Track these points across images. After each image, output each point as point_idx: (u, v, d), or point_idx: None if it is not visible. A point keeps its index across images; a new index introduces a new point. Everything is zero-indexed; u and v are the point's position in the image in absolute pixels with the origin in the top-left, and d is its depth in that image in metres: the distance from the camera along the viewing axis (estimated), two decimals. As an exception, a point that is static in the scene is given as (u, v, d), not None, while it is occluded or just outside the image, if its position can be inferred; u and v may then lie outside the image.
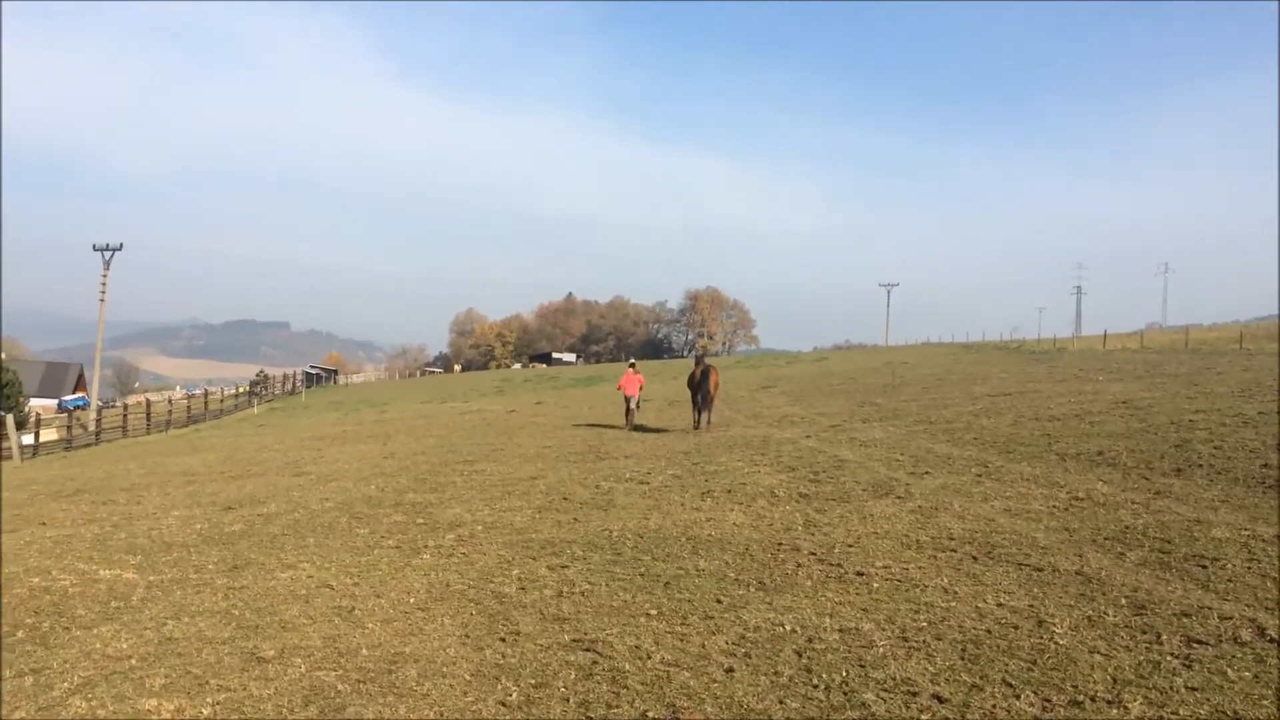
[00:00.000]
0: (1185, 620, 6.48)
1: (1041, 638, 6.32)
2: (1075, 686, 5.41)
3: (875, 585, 7.99)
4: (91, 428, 47.20)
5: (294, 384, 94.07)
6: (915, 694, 5.48)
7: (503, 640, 7.06)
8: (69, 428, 46.38)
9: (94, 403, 62.67)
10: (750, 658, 6.32)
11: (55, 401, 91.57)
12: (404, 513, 13.11)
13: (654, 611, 7.59)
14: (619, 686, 5.91)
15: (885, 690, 5.57)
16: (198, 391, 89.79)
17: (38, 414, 52.95)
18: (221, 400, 73.49)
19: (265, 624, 7.78)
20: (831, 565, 8.79)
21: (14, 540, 12.36)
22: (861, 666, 6.00)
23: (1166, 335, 75.20)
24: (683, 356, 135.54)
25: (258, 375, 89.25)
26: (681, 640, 6.78)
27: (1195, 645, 5.96)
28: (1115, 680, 5.47)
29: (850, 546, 9.52)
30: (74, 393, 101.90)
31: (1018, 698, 5.32)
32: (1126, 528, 9.48)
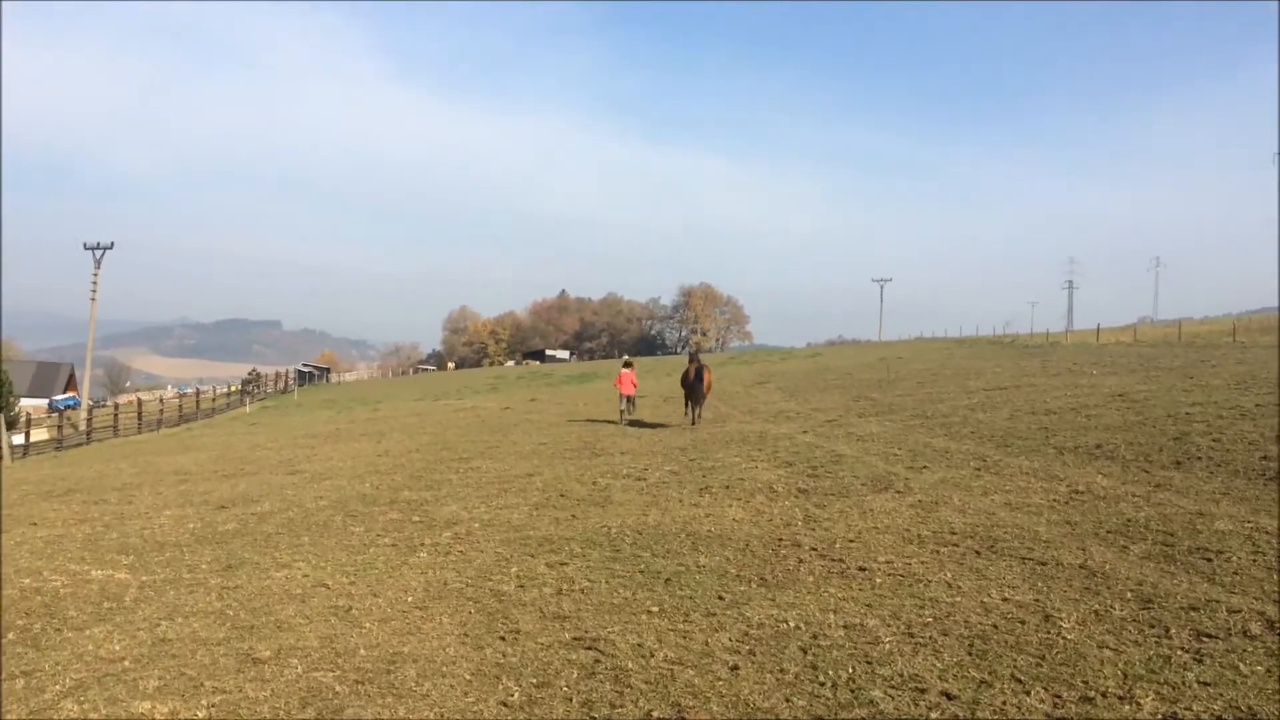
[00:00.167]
0: (1193, 614, 6.41)
1: (1049, 633, 6.24)
2: (1085, 682, 5.33)
3: (878, 580, 7.91)
4: (82, 427, 46.97)
5: (287, 382, 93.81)
6: (923, 691, 5.39)
7: (502, 639, 6.97)
8: (59, 427, 46.16)
9: (85, 402, 62.42)
10: (755, 655, 6.23)
11: (46, 401, 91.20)
12: (400, 510, 13.00)
13: (655, 609, 7.50)
14: (622, 685, 5.81)
15: (893, 687, 5.49)
16: (189, 390, 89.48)
17: (28, 414, 52.69)
18: (214, 399, 73.18)
19: (261, 624, 7.67)
20: (833, 561, 8.71)
21: (5, 541, 12.23)
22: (868, 663, 5.92)
23: (1159, 329, 75.35)
24: (676, 353, 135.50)
25: (250, 374, 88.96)
26: (684, 638, 6.69)
27: (1205, 639, 5.89)
28: (1126, 675, 5.39)
29: (851, 542, 9.44)
30: (65, 392, 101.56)
31: (1028, 694, 5.24)
32: (1128, 521, 9.41)
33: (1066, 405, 20.05)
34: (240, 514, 13.45)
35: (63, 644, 7.35)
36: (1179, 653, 5.69)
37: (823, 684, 5.62)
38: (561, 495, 13.55)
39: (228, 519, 13.07)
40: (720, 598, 7.71)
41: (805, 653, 6.20)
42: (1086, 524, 9.45)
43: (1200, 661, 5.51)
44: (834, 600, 7.42)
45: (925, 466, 13.84)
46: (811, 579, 8.15)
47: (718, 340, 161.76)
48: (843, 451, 16.18)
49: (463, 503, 13.36)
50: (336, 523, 12.31)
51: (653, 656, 6.32)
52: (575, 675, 6.06)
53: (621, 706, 5.49)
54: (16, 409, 56.60)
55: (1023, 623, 6.48)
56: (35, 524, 13.74)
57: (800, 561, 8.78)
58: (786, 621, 6.90)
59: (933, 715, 5.05)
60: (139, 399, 71.28)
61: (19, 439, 40.85)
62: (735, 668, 6.00)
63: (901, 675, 5.67)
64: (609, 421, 27.31)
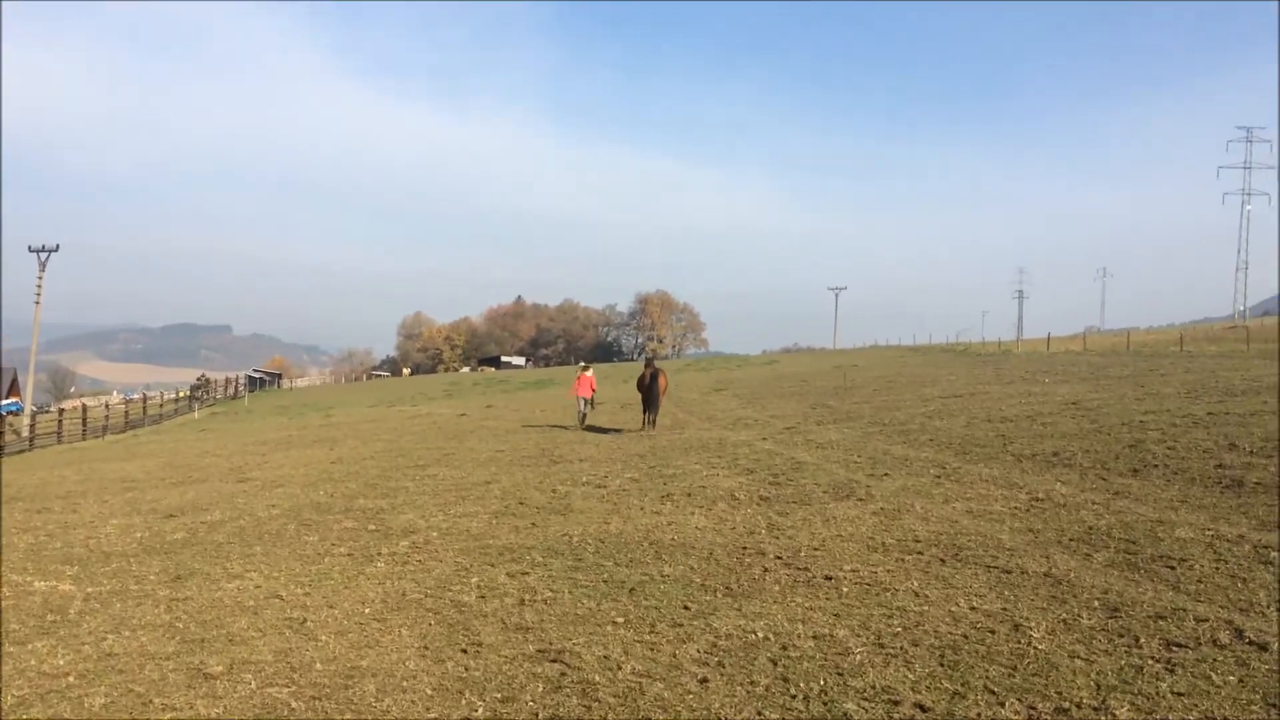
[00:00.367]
0: (1161, 623, 6.39)
1: (1019, 642, 6.19)
2: (1059, 693, 5.28)
3: (845, 590, 7.84)
4: (25, 433, 45.82)
5: (237, 388, 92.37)
6: (897, 703, 5.31)
7: (464, 652, 6.79)
8: (1, 433, 44.99)
9: (28, 408, 60.97)
10: (724, 667, 6.11)
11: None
12: (355, 519, 12.74)
13: (621, 619, 7.36)
14: (590, 700, 5.67)
15: (866, 699, 5.40)
16: (136, 396, 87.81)
17: (-31, 420, 51.30)
18: (161, 405, 71.82)
19: (212, 637, 7.42)
20: (799, 569, 8.62)
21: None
22: (839, 675, 5.82)
23: (1107, 338, 76.45)
24: (632, 360, 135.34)
25: (199, 379, 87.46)
26: (651, 650, 6.56)
27: (1175, 649, 5.87)
28: (1099, 686, 5.34)
29: (816, 550, 9.37)
30: (7, 398, 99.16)
31: (1002, 705, 5.17)
32: (1090, 528, 9.43)
33: (1022, 413, 20.19)
34: (189, 523, 13.11)
35: (4, 659, 7.05)
36: (1150, 662, 5.66)
37: (794, 696, 5.52)
38: (521, 503, 13.37)
39: (176, 528, 12.72)
40: (686, 608, 7.59)
41: (775, 664, 6.09)
42: (1049, 532, 9.45)
43: (1172, 671, 5.48)
44: (801, 610, 7.33)
45: (886, 474, 13.84)
46: (778, 588, 8.05)
47: (674, 347, 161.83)
48: (803, 459, 16.15)
49: (420, 511, 13.13)
50: (290, 532, 12.03)
51: (620, 669, 6.18)
52: (541, 689, 5.90)
53: (589, 721, 5.34)
54: (-44, 414, 55.13)
55: (992, 632, 6.43)
56: (-25, 533, 13.30)
57: (765, 570, 8.69)
58: (755, 632, 6.79)
59: (907, 728, 4.97)
60: (84, 405, 69.80)
61: (-41, 445, 39.73)
62: (705, 680, 5.88)
63: (874, 687, 5.58)
64: (566, 428, 27.19)
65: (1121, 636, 6.18)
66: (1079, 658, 5.83)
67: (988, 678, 5.60)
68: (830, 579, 8.20)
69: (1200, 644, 5.91)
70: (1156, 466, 12.46)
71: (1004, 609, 6.97)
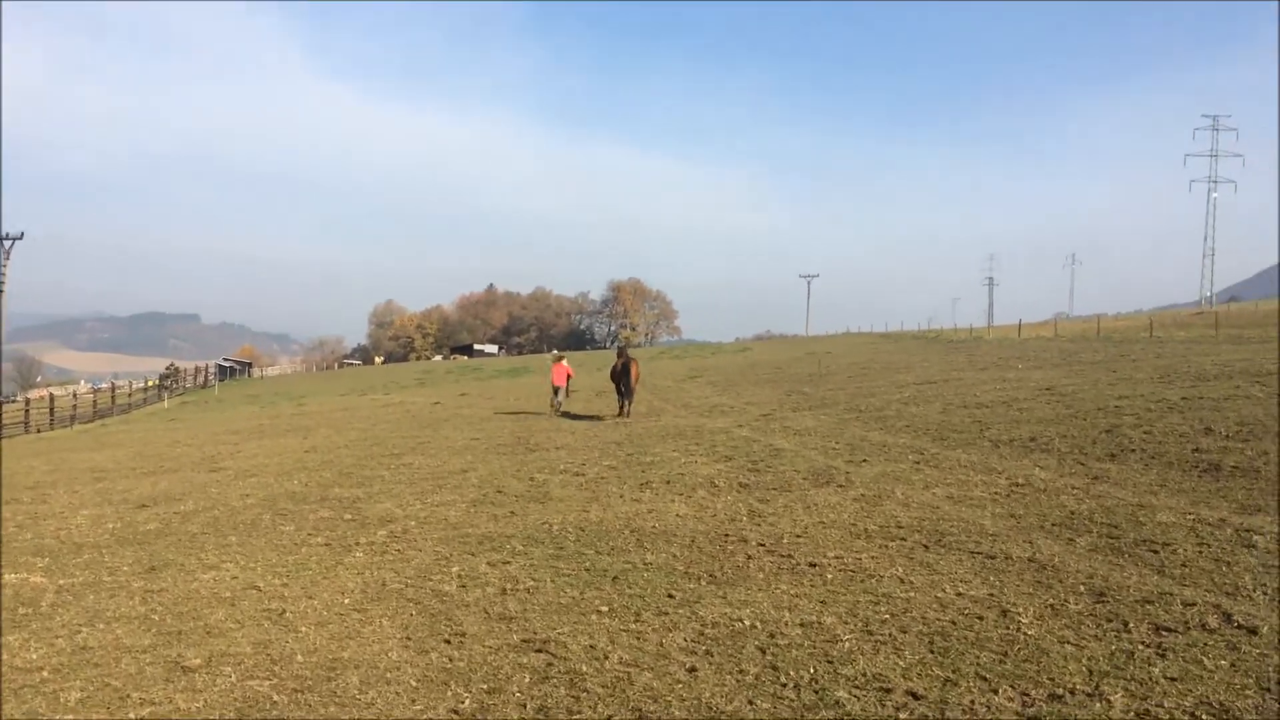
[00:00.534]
0: (1149, 607, 6.39)
1: (1008, 628, 6.17)
2: (1052, 679, 5.25)
3: (829, 576, 7.80)
4: (-9, 424, 45.12)
5: (207, 377, 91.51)
6: (889, 690, 5.26)
7: (447, 642, 6.69)
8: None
9: (-7, 398, 60.07)
10: (712, 655, 6.05)
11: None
12: (331, 508, 12.59)
13: (605, 608, 7.28)
14: (578, 690, 5.58)
15: (857, 687, 5.35)
16: (104, 386, 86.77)
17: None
18: (130, 394, 71.03)
19: (189, 630, 7.28)
20: (782, 556, 8.58)
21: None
22: (829, 662, 5.77)
23: (1077, 324, 77.10)
24: (605, 348, 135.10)
25: (168, 368, 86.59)
26: (638, 639, 6.49)
27: (1165, 633, 5.86)
28: (1091, 672, 5.32)
29: (799, 537, 9.33)
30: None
31: (995, 692, 5.14)
32: (1071, 513, 9.45)
33: (997, 399, 20.28)
34: (162, 513, 12.91)
35: (-26, 654, 6.89)
36: (1141, 647, 5.65)
37: (785, 685, 5.46)
38: (499, 491, 13.25)
39: (149, 518, 12.52)
40: (670, 596, 7.52)
41: (764, 652, 6.04)
42: (1030, 517, 9.46)
43: (1164, 656, 5.47)
44: (787, 597, 7.28)
45: (865, 460, 13.84)
46: (762, 575, 8.00)
47: (647, 335, 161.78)
48: (781, 446, 16.13)
49: (396, 500, 13.00)
50: (265, 522, 11.87)
51: (607, 659, 6.10)
52: (527, 680, 5.81)
53: (579, 712, 5.26)
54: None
55: (981, 618, 6.40)
56: (-59, 525, 13.04)
57: (749, 558, 8.64)
58: (741, 620, 6.73)
59: (901, 716, 4.92)
60: (51, 394, 68.85)
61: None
62: (693, 669, 5.82)
63: (864, 675, 5.53)
64: (540, 414, 27.14)
65: (1110, 621, 6.17)
66: (1069, 643, 5.81)
67: (979, 664, 5.56)
68: (814, 566, 8.16)
69: (1189, 628, 5.91)
70: (1134, 451, 12.52)
71: (990, 595, 6.95)
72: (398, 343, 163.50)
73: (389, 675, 6.05)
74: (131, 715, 5.53)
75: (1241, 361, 23.37)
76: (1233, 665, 5.26)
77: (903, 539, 8.92)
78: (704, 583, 7.89)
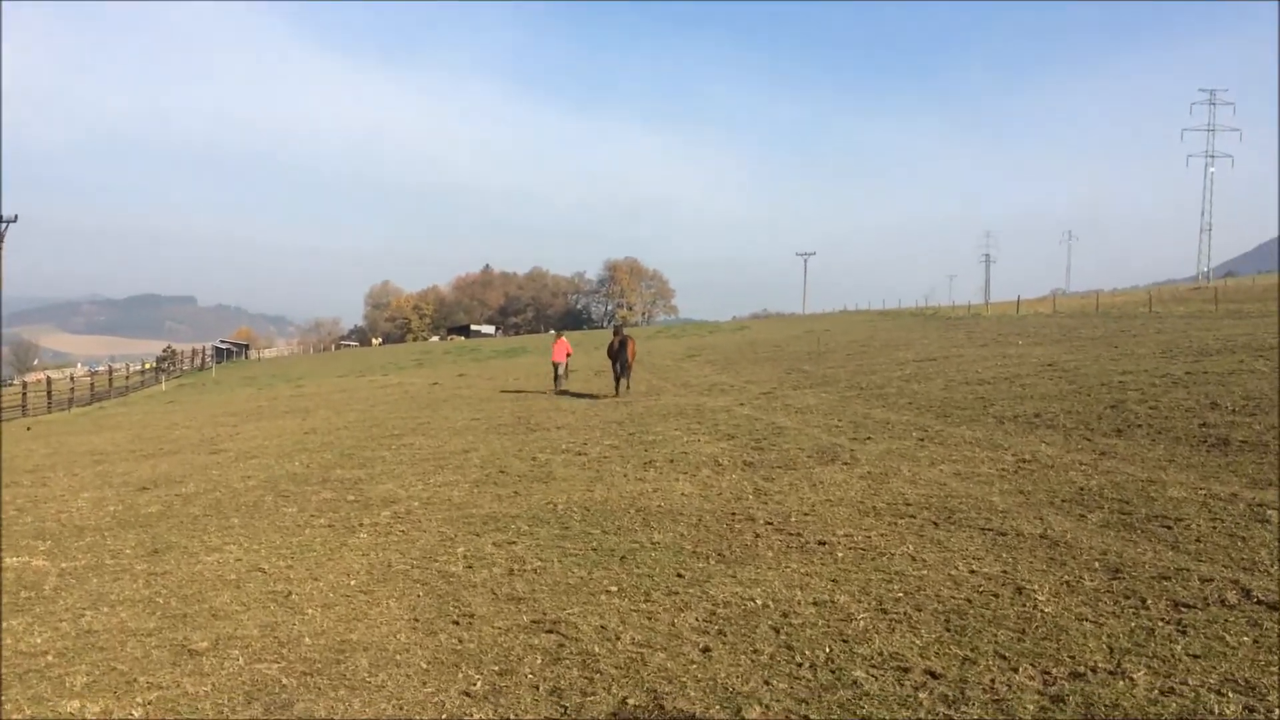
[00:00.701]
0: (1166, 583, 6.32)
1: (1025, 606, 6.09)
2: (1072, 657, 5.18)
3: (840, 555, 7.73)
4: (-11, 407, 44.97)
5: (204, 359, 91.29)
6: (907, 670, 5.19)
7: (456, 623, 6.62)
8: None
9: (-10, 381, 59.91)
10: (725, 635, 5.98)
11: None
12: (333, 489, 12.51)
13: (614, 588, 7.21)
14: (591, 671, 5.51)
15: (874, 667, 5.28)
16: (101, 368, 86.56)
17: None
18: (127, 377, 70.85)
19: (194, 612, 7.21)
20: (791, 535, 8.51)
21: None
22: (844, 642, 5.70)
23: (1075, 300, 77.01)
24: (602, 327, 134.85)
25: (165, 351, 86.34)
26: (649, 619, 6.42)
27: (1184, 609, 5.79)
28: (1112, 649, 5.25)
29: (806, 515, 9.26)
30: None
31: (1015, 671, 5.06)
32: (1081, 489, 9.38)
33: (999, 375, 20.21)
34: (163, 495, 12.83)
35: (-23, 639, 6.81)
36: (1161, 624, 5.57)
37: (800, 665, 5.39)
38: (501, 471, 13.18)
39: (150, 501, 12.45)
40: (679, 575, 7.45)
41: (778, 632, 5.96)
42: (1040, 493, 9.39)
43: (1184, 633, 5.39)
44: (798, 576, 7.21)
45: (869, 438, 13.76)
46: (771, 554, 7.93)
47: (644, 314, 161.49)
48: (783, 424, 16.05)
49: (399, 481, 12.92)
50: (267, 503, 11.80)
51: (619, 639, 6.03)
52: (539, 661, 5.74)
53: (593, 694, 5.18)
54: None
55: (996, 596, 6.33)
56: (-59, 509, 12.95)
57: (757, 536, 8.57)
58: (753, 599, 6.66)
59: (920, 695, 4.85)
60: (48, 377, 68.67)
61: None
62: (707, 649, 5.74)
63: (881, 654, 5.46)
64: (539, 393, 27.10)
65: (1127, 598, 6.09)
66: (1087, 620, 5.74)
67: (997, 642, 5.49)
68: (824, 544, 8.09)
69: (1209, 604, 5.84)
70: (1140, 426, 12.46)
71: (1004, 572, 6.88)
72: (394, 324, 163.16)
73: (398, 657, 5.98)
74: (139, 700, 5.46)
75: (1243, 336, 23.31)
76: (1255, 642, 5.19)
77: (912, 516, 8.85)
78: (713, 562, 7.82)
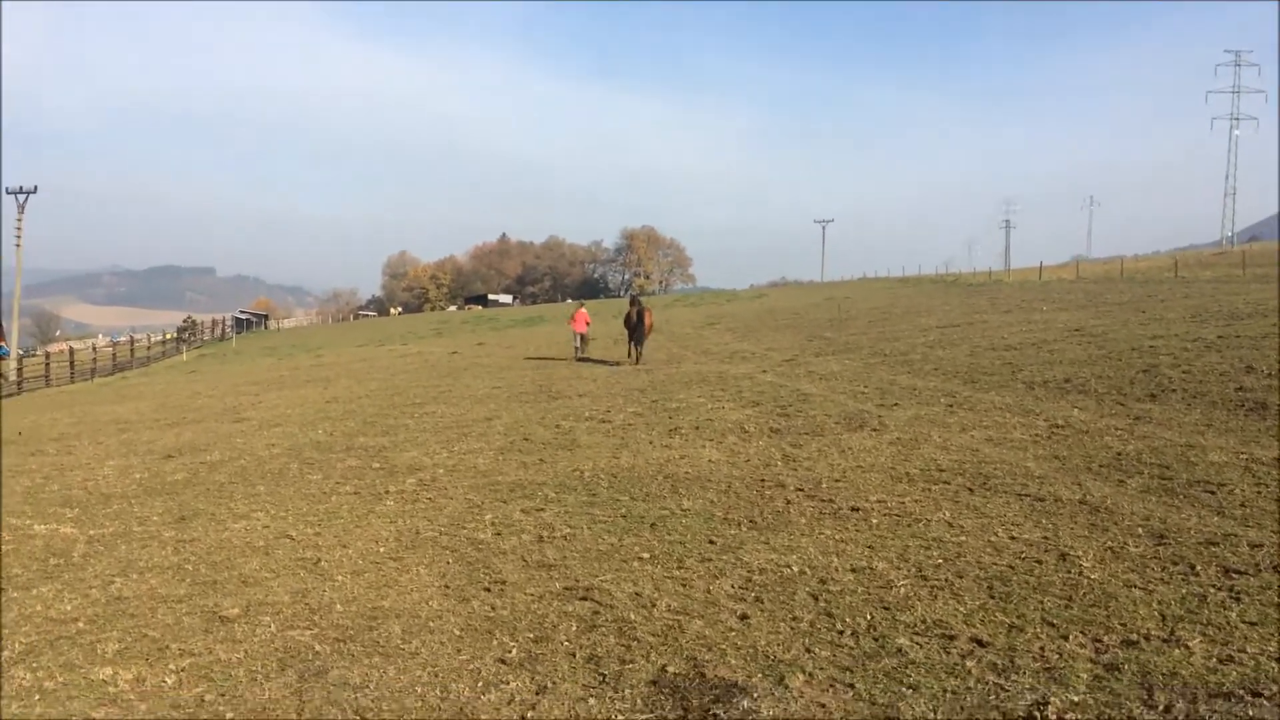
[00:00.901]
0: (1213, 549, 6.17)
1: (1069, 572, 5.95)
2: (1123, 624, 5.04)
3: (874, 521, 7.60)
4: (12, 377, 45.32)
5: (224, 330, 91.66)
6: (952, 638, 5.07)
7: (488, 590, 6.54)
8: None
9: (14, 352, 60.38)
10: (762, 602, 5.87)
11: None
12: (357, 457, 12.47)
13: (646, 555, 7.11)
14: (628, 639, 5.41)
15: (918, 634, 5.16)
16: (123, 339, 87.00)
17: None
18: (148, 347, 71.19)
19: (224, 579, 7.16)
20: (823, 501, 8.38)
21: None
22: (885, 609, 5.58)
23: (1098, 266, 76.29)
24: (619, 296, 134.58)
25: (185, 321, 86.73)
26: (684, 586, 6.31)
27: (1235, 576, 5.64)
28: (1164, 616, 5.11)
29: (837, 481, 9.13)
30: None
31: (1065, 638, 4.93)
32: (1118, 454, 9.21)
33: (1026, 341, 19.97)
34: (189, 463, 12.82)
35: (8, 604, 6.77)
36: (1212, 591, 5.43)
37: (842, 632, 5.27)
38: (525, 439, 13.10)
39: (176, 468, 12.43)
40: (711, 542, 7.35)
41: (816, 599, 5.85)
42: (1075, 458, 9.23)
43: (1238, 600, 5.24)
44: (833, 542, 7.09)
45: (896, 404, 13.60)
46: (804, 520, 7.82)
47: (661, 283, 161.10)
48: (808, 390, 15.90)
49: (423, 448, 12.86)
50: (292, 470, 11.76)
51: (654, 606, 5.93)
52: (575, 628, 5.65)
53: (631, 661, 5.09)
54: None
55: (1039, 562, 6.19)
56: (-32, 478, 12.98)
57: (788, 503, 8.45)
58: (789, 566, 6.55)
59: (968, 664, 4.72)
60: (70, 348, 69.10)
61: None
62: (745, 617, 5.64)
63: (924, 621, 5.34)
64: (559, 359, 27.11)
65: (1175, 564, 5.95)
66: (1135, 587, 5.60)
67: (1043, 609, 5.36)
68: (857, 510, 7.96)
69: (1260, 570, 5.68)
70: (1174, 391, 12.25)
71: (1045, 538, 6.74)
72: (412, 293, 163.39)
73: (431, 624, 5.90)
74: (171, 666, 5.40)
75: (1274, 300, 22.95)
76: (1312, 608, 5.05)
77: (945, 482, 8.71)
78: (745, 528, 7.71)
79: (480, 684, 4.95)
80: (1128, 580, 5.72)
